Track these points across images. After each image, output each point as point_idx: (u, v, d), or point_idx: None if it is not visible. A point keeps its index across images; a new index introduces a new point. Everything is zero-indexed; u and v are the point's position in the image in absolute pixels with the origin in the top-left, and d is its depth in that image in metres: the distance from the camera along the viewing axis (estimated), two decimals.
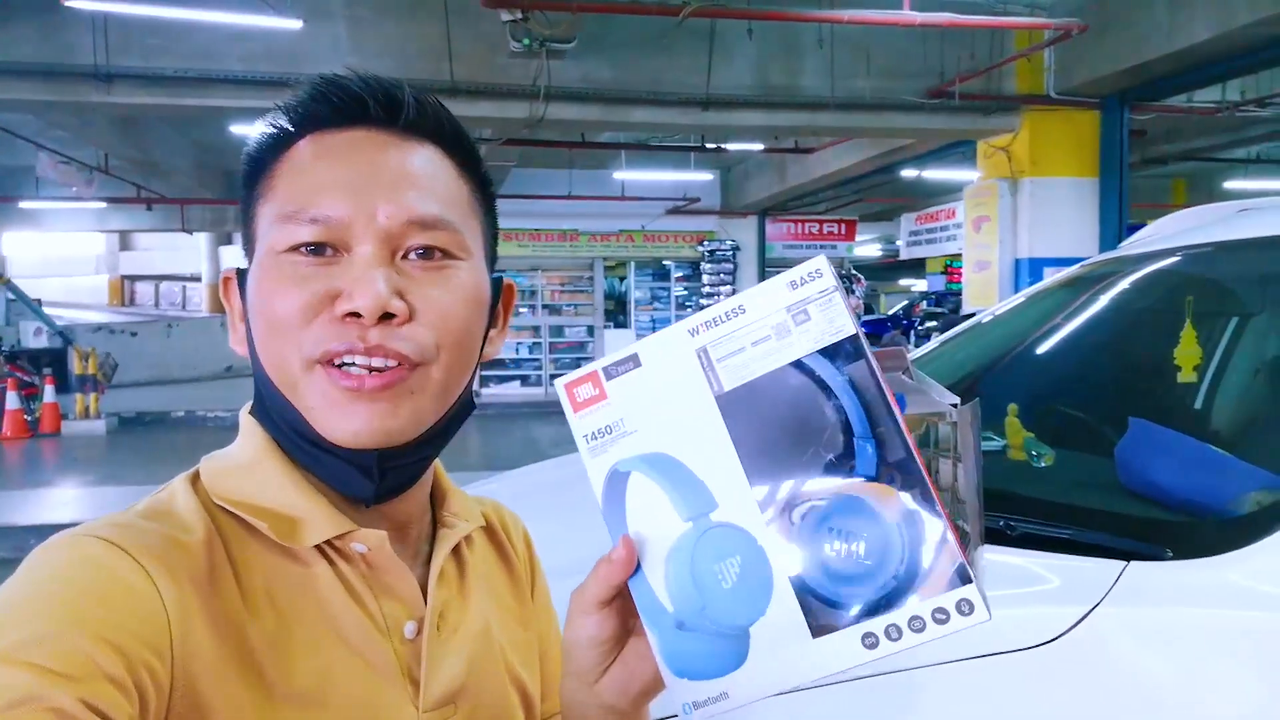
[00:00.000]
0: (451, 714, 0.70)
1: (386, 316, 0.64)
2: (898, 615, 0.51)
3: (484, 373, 16.14)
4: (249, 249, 0.71)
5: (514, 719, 0.77)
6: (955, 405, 1.16)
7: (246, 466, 0.69)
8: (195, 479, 0.69)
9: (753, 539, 0.54)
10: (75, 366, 12.25)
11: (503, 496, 2.43)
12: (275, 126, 0.70)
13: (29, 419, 11.79)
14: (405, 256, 0.67)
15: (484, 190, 0.75)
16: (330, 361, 0.65)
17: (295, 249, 0.66)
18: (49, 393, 12.00)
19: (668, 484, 0.57)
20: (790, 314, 0.54)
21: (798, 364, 0.53)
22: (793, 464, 0.54)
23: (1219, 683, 1.08)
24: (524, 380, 16.54)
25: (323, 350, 0.65)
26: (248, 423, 0.72)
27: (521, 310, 16.57)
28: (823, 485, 0.53)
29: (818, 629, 0.53)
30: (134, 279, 28.17)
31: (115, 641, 0.54)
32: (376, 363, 0.65)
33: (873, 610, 0.52)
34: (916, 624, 0.51)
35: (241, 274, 0.71)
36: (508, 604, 0.83)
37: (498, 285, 0.77)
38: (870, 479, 0.52)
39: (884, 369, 1.18)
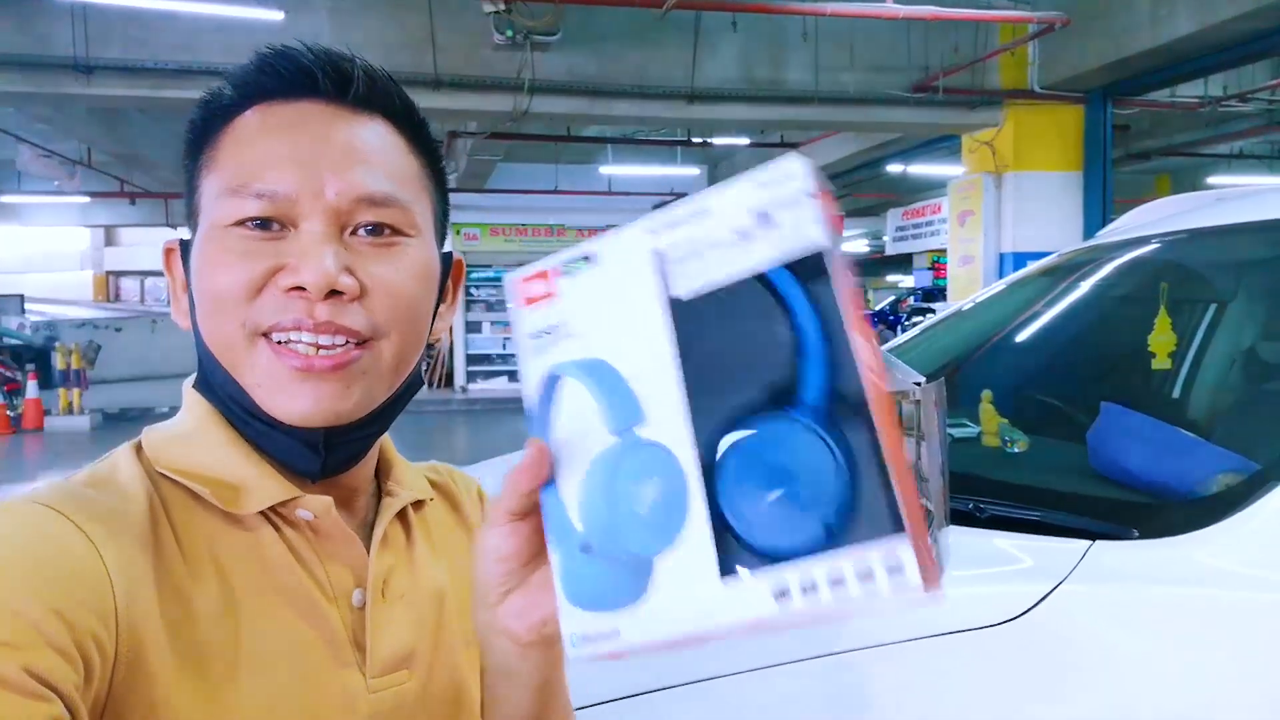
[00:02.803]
0: (405, 679, 0.70)
1: (335, 294, 0.63)
2: (817, 567, 0.44)
3: (471, 368, 16.13)
4: (192, 221, 0.70)
5: (469, 683, 0.76)
6: (919, 384, 1.16)
7: (188, 435, 0.69)
8: (138, 449, 0.68)
9: (676, 461, 0.48)
10: (58, 362, 12.18)
11: (483, 485, 2.43)
12: (221, 96, 0.68)
13: (11, 414, 11.72)
14: (354, 233, 0.66)
15: (434, 166, 0.74)
16: (274, 337, 0.64)
17: (240, 223, 0.64)
18: (32, 388, 11.92)
19: (599, 393, 0.51)
20: (756, 218, 0.47)
21: (760, 276, 0.46)
22: (736, 386, 0.47)
23: (1179, 657, 1.08)
24: (511, 375, 16.52)
25: (270, 323, 0.64)
26: (190, 395, 0.71)
27: (510, 305, 16.51)
28: (763, 411, 0.46)
29: (727, 571, 0.46)
30: (119, 275, 28.01)
31: (59, 608, 0.53)
32: (324, 340, 0.64)
33: (790, 557, 0.44)
34: (836, 580, 0.43)
35: (185, 245, 0.70)
36: (465, 566, 0.82)
37: (447, 261, 0.76)
38: (817, 408, 0.45)
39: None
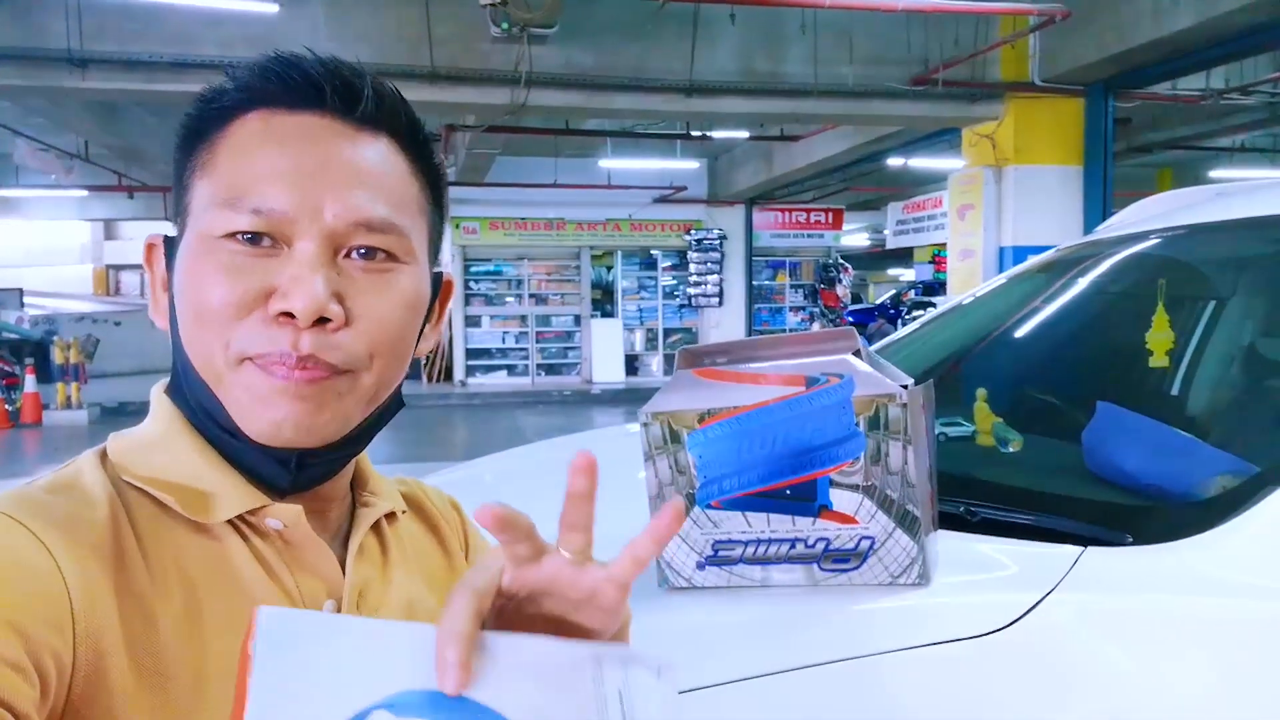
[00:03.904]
0: None
1: (322, 320, 0.62)
2: None
3: (470, 362, 16.12)
4: (180, 220, 0.68)
5: None
6: (906, 387, 1.13)
7: (156, 442, 0.67)
8: (103, 455, 0.67)
9: None
10: (57, 356, 12.17)
11: (483, 480, 2.38)
12: (221, 95, 0.66)
13: (10, 409, 11.72)
14: (347, 255, 0.65)
15: (435, 188, 0.73)
16: (256, 361, 0.63)
17: (231, 236, 0.63)
18: (30, 383, 11.92)
19: None
20: None
21: None
22: None
23: (1173, 670, 1.05)
24: (510, 370, 16.52)
25: (254, 353, 0.62)
26: (160, 400, 0.70)
27: (508, 299, 16.55)
28: None
29: None
30: (119, 268, 27.97)
31: (13, 622, 0.51)
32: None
33: None
34: None
35: (169, 241, 0.68)
36: (441, 579, 0.80)
37: (437, 281, 0.74)
38: None
39: (833, 350, 1.14)
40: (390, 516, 0.77)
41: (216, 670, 0.60)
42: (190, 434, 0.67)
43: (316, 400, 0.63)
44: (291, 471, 0.66)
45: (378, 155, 0.66)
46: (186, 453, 0.66)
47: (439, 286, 0.75)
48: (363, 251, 0.65)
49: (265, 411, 0.63)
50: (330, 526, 0.72)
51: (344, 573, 0.69)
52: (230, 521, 0.65)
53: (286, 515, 0.66)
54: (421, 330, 0.72)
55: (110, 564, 0.59)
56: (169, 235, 0.69)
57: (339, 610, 0.67)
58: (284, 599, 0.65)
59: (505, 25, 7.59)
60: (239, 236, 0.63)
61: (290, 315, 0.61)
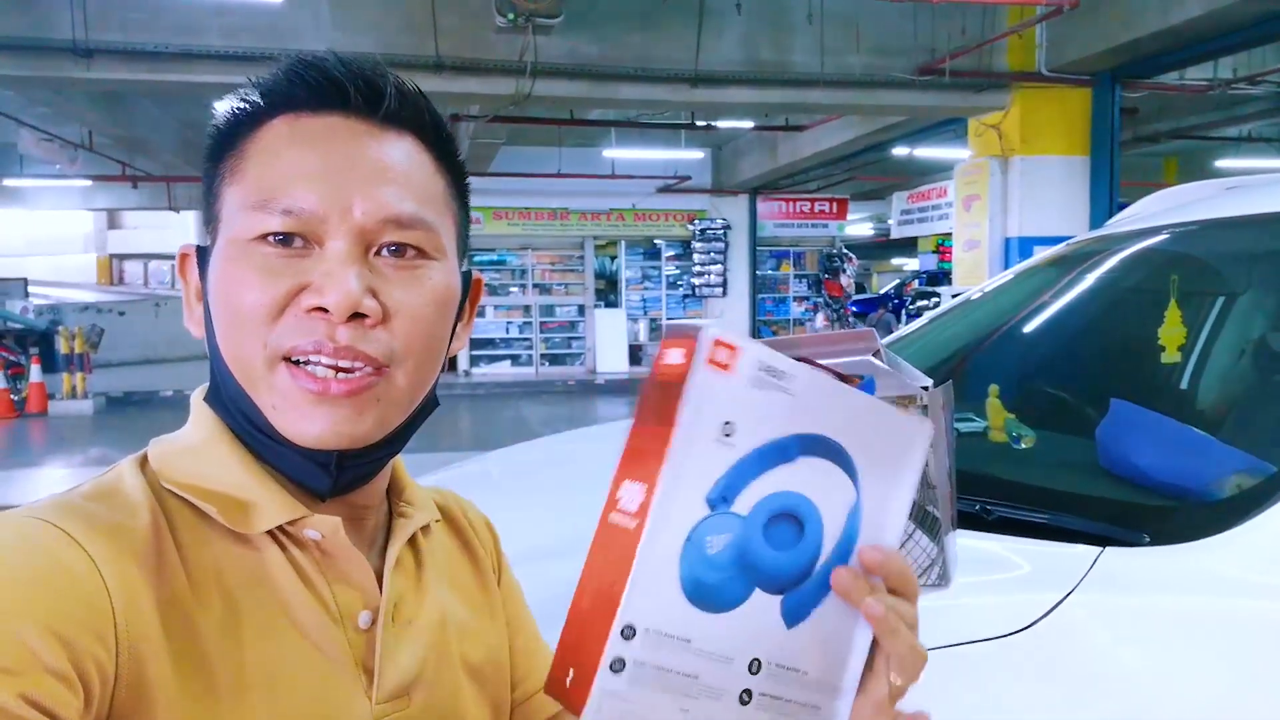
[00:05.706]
0: (404, 705, 0.68)
1: (357, 316, 0.62)
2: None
3: (474, 352, 16.13)
4: (211, 228, 0.68)
5: (466, 711, 0.75)
6: (926, 388, 1.13)
7: (196, 449, 0.67)
8: (143, 462, 0.67)
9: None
10: (62, 346, 12.19)
11: (490, 476, 2.38)
12: (247, 103, 0.67)
13: (15, 399, 11.75)
14: (377, 253, 0.65)
15: (459, 183, 0.73)
16: (294, 359, 0.63)
17: (263, 238, 0.63)
18: (35, 372, 11.95)
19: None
20: None
21: None
22: None
23: (1193, 672, 1.06)
24: (514, 360, 16.53)
25: (290, 346, 0.63)
26: (200, 407, 0.70)
27: (512, 289, 16.55)
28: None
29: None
30: (122, 258, 28.01)
31: (58, 631, 0.52)
32: (344, 363, 0.63)
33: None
34: None
35: (202, 251, 0.69)
36: (472, 594, 0.81)
37: (466, 279, 0.75)
38: None
39: (853, 350, 1.14)
40: (425, 527, 0.77)
41: (255, 678, 0.61)
42: (230, 441, 0.67)
43: (356, 407, 0.64)
44: (331, 474, 0.66)
45: (403, 153, 0.67)
46: (226, 461, 0.66)
47: (469, 285, 0.75)
48: (393, 249, 0.65)
49: (303, 423, 0.63)
50: (367, 536, 0.72)
51: (380, 583, 0.70)
52: (269, 531, 0.65)
53: (325, 526, 0.66)
54: (454, 329, 0.72)
55: (152, 572, 0.59)
56: (201, 245, 0.69)
57: (374, 623, 0.68)
58: (320, 609, 0.65)
59: (510, 15, 7.56)
60: (270, 238, 0.63)
61: (323, 310, 0.62)
